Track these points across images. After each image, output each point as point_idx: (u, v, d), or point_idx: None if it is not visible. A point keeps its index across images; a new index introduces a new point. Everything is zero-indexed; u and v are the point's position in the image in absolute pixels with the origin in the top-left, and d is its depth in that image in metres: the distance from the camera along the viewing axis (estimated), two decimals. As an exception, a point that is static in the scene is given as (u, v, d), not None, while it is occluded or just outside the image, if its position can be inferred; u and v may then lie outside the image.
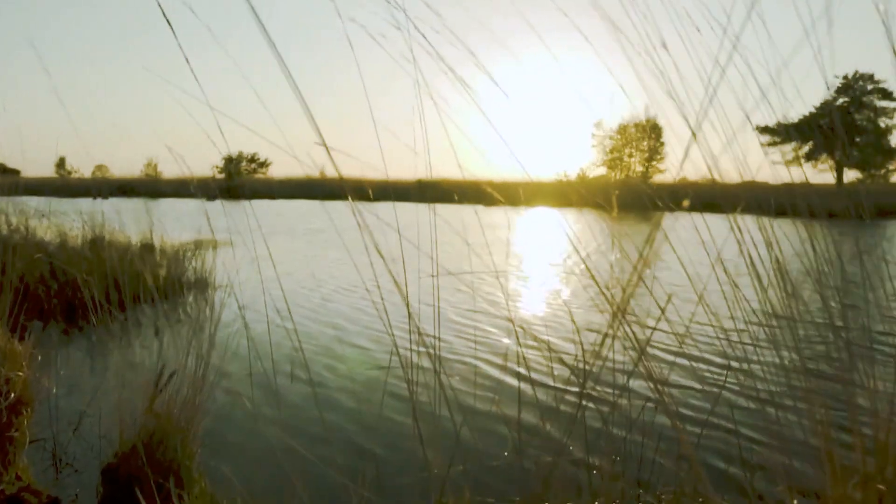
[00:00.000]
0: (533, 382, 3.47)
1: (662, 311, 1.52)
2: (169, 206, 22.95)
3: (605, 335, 1.38)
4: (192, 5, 1.51)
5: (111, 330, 5.50)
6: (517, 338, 1.74)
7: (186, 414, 2.48)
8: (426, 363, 1.45)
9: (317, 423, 3.48)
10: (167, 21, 1.45)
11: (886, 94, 41.40)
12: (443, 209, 1.87)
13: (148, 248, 8.36)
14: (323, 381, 4.27)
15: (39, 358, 3.29)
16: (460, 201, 1.93)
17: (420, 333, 1.37)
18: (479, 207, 2.10)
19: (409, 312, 1.35)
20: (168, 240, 8.44)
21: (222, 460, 2.79)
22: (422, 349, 1.43)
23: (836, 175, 41.12)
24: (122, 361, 4.11)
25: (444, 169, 1.77)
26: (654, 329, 1.63)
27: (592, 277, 1.45)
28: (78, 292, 6.24)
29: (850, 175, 41.78)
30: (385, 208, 1.62)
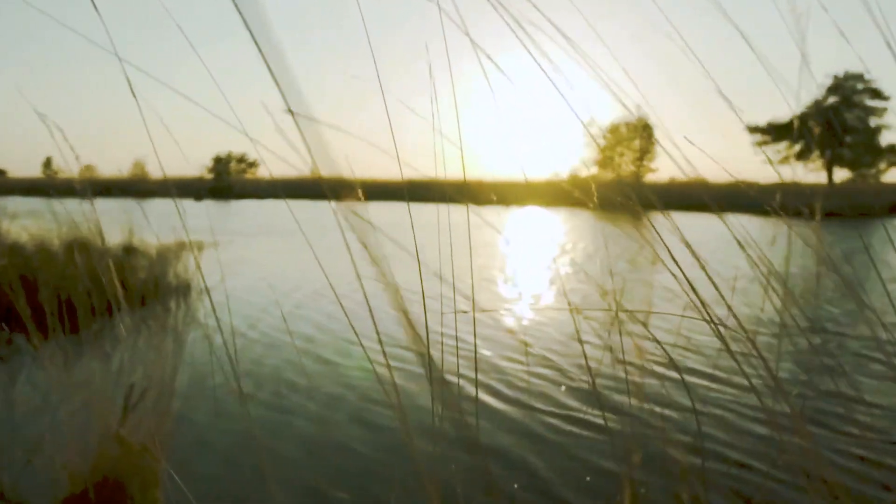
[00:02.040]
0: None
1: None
2: (154, 207, 22.45)
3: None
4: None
5: (86, 340, 5.15)
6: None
7: (147, 449, 2.16)
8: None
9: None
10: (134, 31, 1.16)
11: (876, 94, 41.43)
12: (434, 209, 1.58)
13: (128, 250, 8.00)
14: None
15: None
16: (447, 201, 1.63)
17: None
18: (472, 207, 1.79)
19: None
20: (149, 242, 8.08)
21: None
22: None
23: (827, 174, 41.21)
24: (88, 379, 3.77)
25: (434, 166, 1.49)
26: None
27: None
28: (51, 298, 5.88)
29: (843, 175, 41.92)
30: (394, 209, 1.32)
